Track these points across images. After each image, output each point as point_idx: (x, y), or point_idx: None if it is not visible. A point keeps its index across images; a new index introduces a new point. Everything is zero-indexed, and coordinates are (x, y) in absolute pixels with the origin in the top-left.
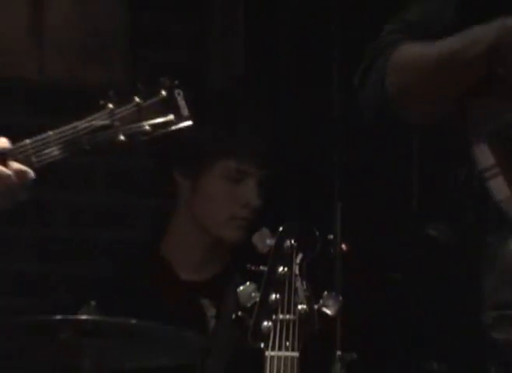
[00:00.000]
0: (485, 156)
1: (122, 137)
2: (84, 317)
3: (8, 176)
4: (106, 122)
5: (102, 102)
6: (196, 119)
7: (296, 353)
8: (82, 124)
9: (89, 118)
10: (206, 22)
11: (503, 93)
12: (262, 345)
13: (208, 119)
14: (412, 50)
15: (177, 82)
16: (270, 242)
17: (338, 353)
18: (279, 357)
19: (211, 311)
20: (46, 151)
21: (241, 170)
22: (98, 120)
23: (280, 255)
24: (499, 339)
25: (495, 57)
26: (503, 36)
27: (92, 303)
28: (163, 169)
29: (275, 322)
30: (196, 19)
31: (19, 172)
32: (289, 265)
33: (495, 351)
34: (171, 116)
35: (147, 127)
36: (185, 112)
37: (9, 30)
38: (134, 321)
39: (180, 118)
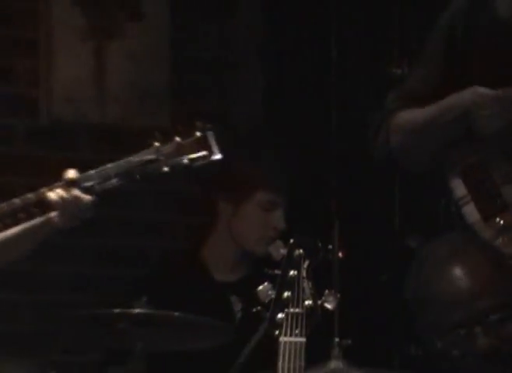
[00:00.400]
0: (459, 188)
1: (166, 169)
2: (137, 310)
3: (77, 199)
4: (153, 157)
5: (150, 141)
6: (233, 157)
7: (303, 339)
8: (134, 159)
9: (140, 154)
10: (231, 78)
11: (475, 139)
12: (277, 332)
13: (244, 159)
14: (406, 117)
15: (208, 126)
16: (283, 251)
17: (336, 339)
18: (290, 342)
19: (237, 306)
20: (106, 179)
21: (271, 201)
22: (147, 156)
23: (291, 261)
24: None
25: (469, 118)
26: (474, 100)
27: (144, 299)
28: (208, 195)
29: (287, 315)
30: (222, 76)
31: (84, 199)
32: (298, 269)
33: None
34: (205, 152)
35: (186, 161)
36: (215, 149)
37: (78, 82)
38: (176, 313)
39: (211, 154)
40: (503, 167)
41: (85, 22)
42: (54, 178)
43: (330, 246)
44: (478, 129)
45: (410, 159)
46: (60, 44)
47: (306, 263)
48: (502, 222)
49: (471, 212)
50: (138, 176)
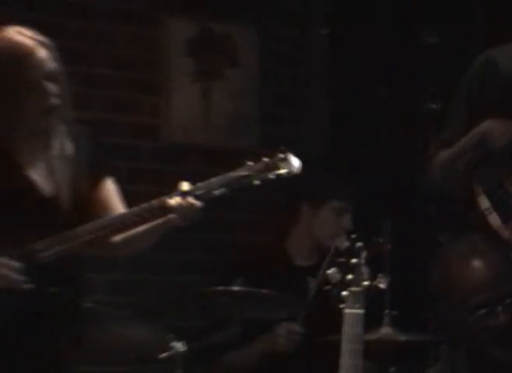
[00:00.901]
0: (484, 202)
1: (257, 182)
2: (236, 288)
3: (191, 205)
4: (247, 173)
5: (244, 160)
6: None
7: (362, 311)
8: (232, 174)
9: (237, 170)
10: (304, 110)
11: (492, 165)
12: (342, 306)
13: (321, 175)
14: (442, 156)
15: (287, 148)
16: (347, 244)
17: (386, 311)
18: (352, 313)
19: (312, 285)
20: (211, 190)
21: (342, 208)
22: (242, 172)
23: (353, 252)
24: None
25: (486, 144)
26: (490, 125)
27: (240, 279)
28: (293, 201)
29: (349, 292)
30: (296, 108)
31: (195, 205)
32: (358, 258)
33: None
34: (286, 169)
35: (272, 176)
36: (294, 166)
37: (189, 114)
38: (264, 290)
39: (292, 170)
40: None
41: (195, 68)
42: (171, 188)
43: (381, 240)
44: (492, 145)
45: (447, 183)
46: (176, 85)
47: (364, 253)
48: None
49: (493, 219)
50: (235, 187)
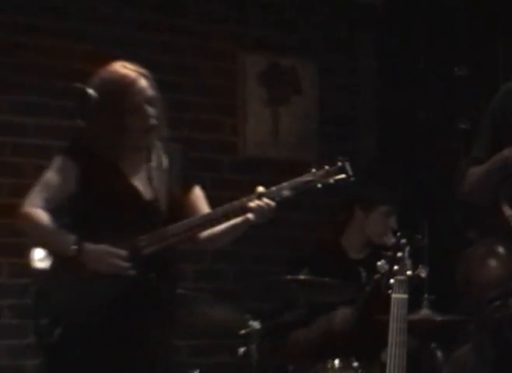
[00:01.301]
0: (507, 210)
1: (319, 185)
2: (302, 277)
3: (267, 205)
4: (311, 178)
5: (309, 168)
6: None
7: (406, 296)
8: (299, 179)
9: (303, 176)
10: (354, 128)
11: None
12: (390, 291)
13: (372, 183)
14: (473, 172)
15: (345, 158)
16: (393, 240)
17: (426, 295)
18: (398, 298)
19: (363, 275)
20: (282, 192)
21: (389, 211)
22: (307, 178)
23: (398, 247)
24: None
25: (508, 167)
26: (509, 155)
27: (306, 269)
28: (348, 204)
29: (395, 281)
30: (347, 127)
31: (270, 205)
32: (402, 251)
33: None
34: (343, 176)
35: (331, 181)
36: (350, 174)
37: (262, 132)
38: (326, 279)
39: (348, 177)
40: None
41: (266, 95)
42: (248, 192)
43: (420, 237)
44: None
45: (476, 197)
46: (250, 109)
47: (407, 248)
48: None
49: None
50: (301, 191)
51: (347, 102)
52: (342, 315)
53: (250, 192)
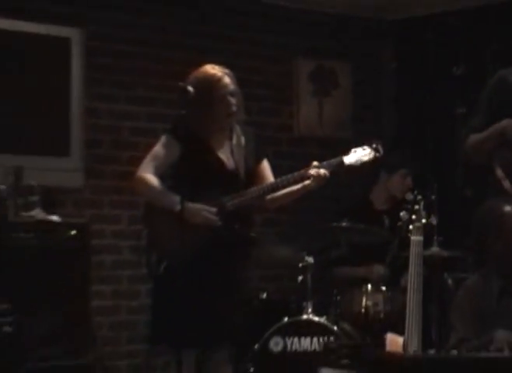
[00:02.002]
0: (499, 171)
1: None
2: (344, 224)
3: (323, 174)
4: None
5: (350, 148)
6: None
7: (422, 238)
8: (344, 156)
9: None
10: (377, 117)
11: (506, 148)
12: (409, 234)
13: (393, 154)
14: (472, 138)
15: (378, 141)
16: (411, 196)
17: (435, 237)
18: (416, 240)
19: (387, 223)
20: (334, 166)
21: (407, 174)
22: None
23: (415, 201)
24: None
25: (505, 134)
26: (506, 125)
27: (346, 219)
28: (376, 169)
29: (414, 227)
30: (374, 114)
31: (325, 174)
32: (419, 205)
33: None
34: (377, 154)
35: (366, 158)
36: (380, 153)
37: (311, 117)
38: (361, 225)
39: (379, 155)
40: None
41: (313, 89)
42: (300, 162)
43: (431, 194)
44: (509, 136)
45: (475, 156)
46: (302, 99)
47: (422, 202)
48: None
49: (506, 184)
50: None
51: (373, 94)
52: (377, 270)
53: (302, 161)
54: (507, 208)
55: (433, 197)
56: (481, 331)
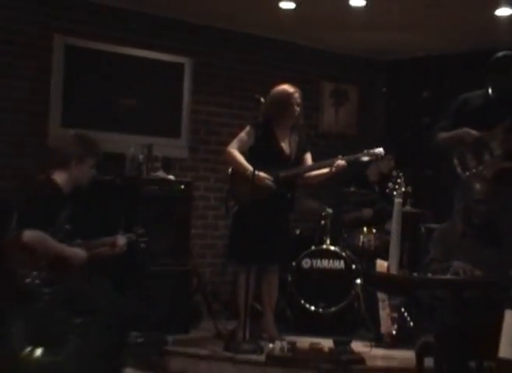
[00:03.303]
0: (456, 161)
1: (366, 159)
2: (352, 189)
3: (344, 165)
4: (366, 155)
5: (363, 149)
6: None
7: (401, 200)
8: (359, 154)
9: (360, 154)
10: (371, 123)
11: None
12: (393, 197)
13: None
14: (441, 135)
15: (380, 147)
16: (394, 172)
17: (408, 200)
18: (398, 201)
19: (376, 188)
20: (351, 159)
21: (391, 158)
22: (362, 155)
23: (398, 176)
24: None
25: (463, 138)
26: (464, 133)
27: (354, 187)
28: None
29: (397, 193)
30: (370, 119)
31: (344, 165)
32: (400, 178)
33: None
34: (380, 154)
35: (374, 158)
36: (383, 154)
37: (331, 118)
38: (363, 190)
39: (381, 155)
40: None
41: (332, 102)
42: (322, 151)
43: (407, 172)
44: (465, 140)
45: (442, 147)
46: (325, 107)
47: (402, 177)
48: (480, 168)
49: (459, 169)
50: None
51: (370, 107)
52: (367, 212)
53: (324, 149)
54: (476, 185)
55: (409, 175)
56: (446, 258)
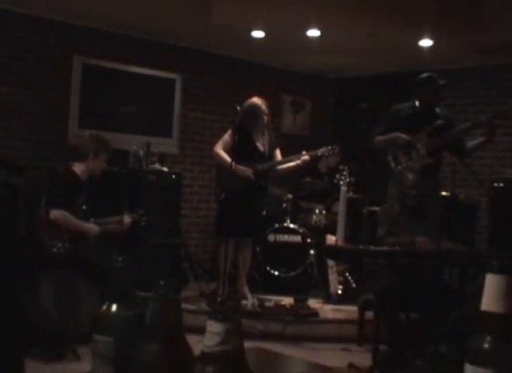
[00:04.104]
0: (389, 157)
1: (320, 154)
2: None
3: (307, 159)
4: (324, 150)
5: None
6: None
7: (346, 188)
8: (317, 150)
9: (318, 149)
10: (320, 127)
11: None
12: (341, 186)
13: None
14: (378, 138)
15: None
16: (341, 167)
17: (352, 188)
18: (344, 189)
19: (325, 178)
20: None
21: (337, 154)
22: (321, 150)
23: (344, 168)
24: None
25: (395, 140)
26: (395, 136)
27: (309, 177)
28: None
29: (343, 182)
30: (320, 126)
31: (308, 160)
32: (345, 171)
33: None
34: (330, 151)
35: (324, 153)
36: (337, 150)
37: (289, 124)
38: (315, 180)
39: (336, 151)
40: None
41: (291, 110)
42: (284, 149)
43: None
44: (397, 142)
45: (378, 147)
46: (284, 115)
47: (347, 169)
48: (410, 163)
49: (392, 164)
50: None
51: (321, 114)
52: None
53: (285, 146)
54: (408, 175)
55: (352, 167)
56: (393, 232)
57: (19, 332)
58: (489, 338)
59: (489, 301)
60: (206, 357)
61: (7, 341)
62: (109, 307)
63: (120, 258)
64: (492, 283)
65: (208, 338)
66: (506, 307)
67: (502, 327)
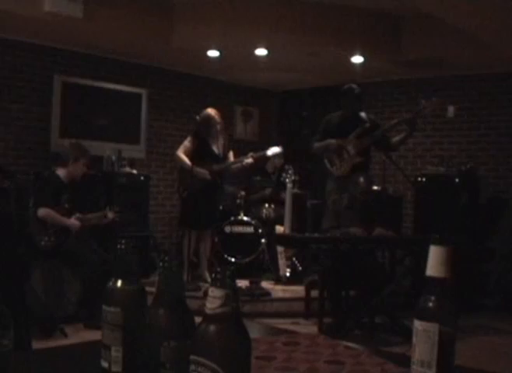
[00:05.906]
0: (326, 162)
1: (269, 154)
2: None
3: (255, 159)
4: (268, 151)
5: (266, 147)
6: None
7: (291, 185)
8: (261, 152)
9: (263, 151)
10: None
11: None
12: (287, 184)
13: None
14: (316, 144)
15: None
16: (286, 166)
17: (298, 184)
18: (290, 186)
19: (273, 177)
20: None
21: (281, 155)
22: (267, 151)
23: (288, 168)
24: None
25: (328, 146)
26: (329, 143)
27: (258, 177)
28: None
29: (289, 180)
30: (274, 135)
31: (255, 158)
32: (290, 170)
33: None
34: (276, 152)
35: (270, 154)
36: (281, 149)
37: (241, 130)
38: (265, 178)
39: (282, 152)
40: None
41: (242, 118)
42: (236, 152)
43: (295, 165)
44: (331, 148)
45: (316, 153)
46: (238, 123)
47: (292, 168)
48: (342, 163)
49: (329, 167)
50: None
51: (268, 122)
52: (267, 191)
53: (238, 150)
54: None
55: (293, 167)
56: (337, 223)
57: (25, 314)
58: (432, 298)
59: (432, 267)
60: (209, 318)
61: (19, 321)
62: (115, 282)
63: (124, 241)
64: (434, 253)
65: (210, 302)
66: (445, 272)
67: (443, 289)
